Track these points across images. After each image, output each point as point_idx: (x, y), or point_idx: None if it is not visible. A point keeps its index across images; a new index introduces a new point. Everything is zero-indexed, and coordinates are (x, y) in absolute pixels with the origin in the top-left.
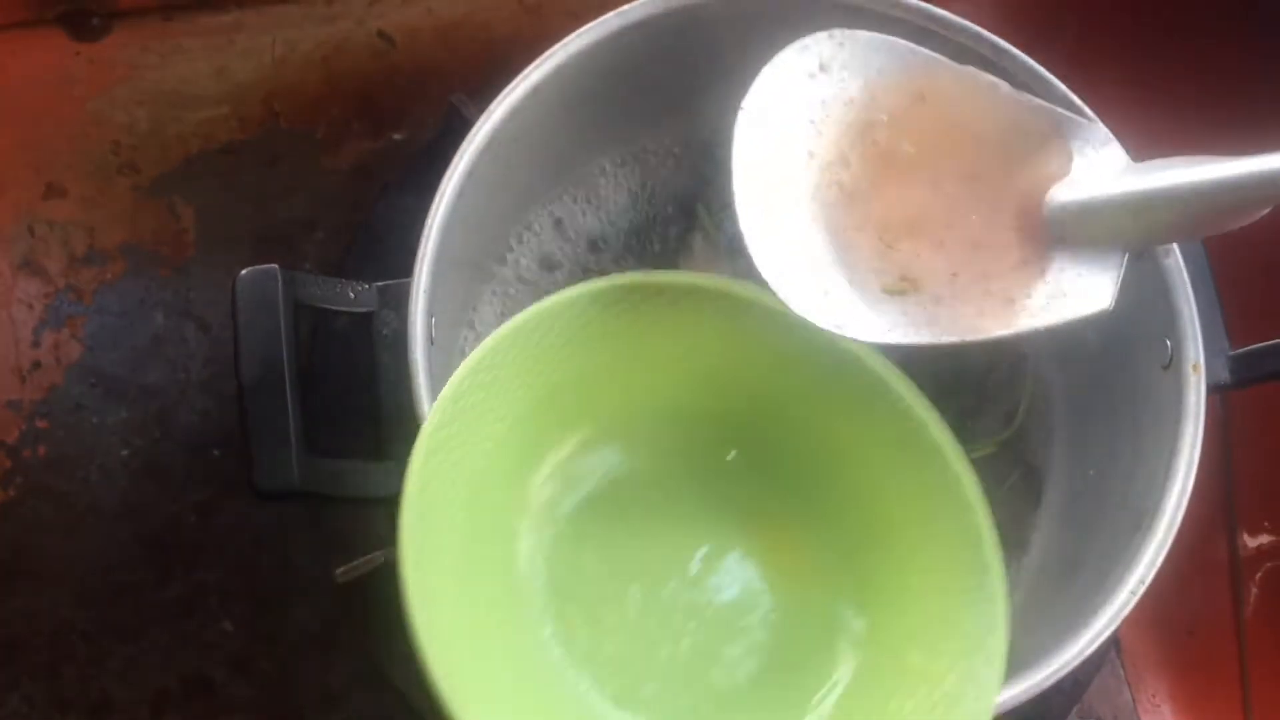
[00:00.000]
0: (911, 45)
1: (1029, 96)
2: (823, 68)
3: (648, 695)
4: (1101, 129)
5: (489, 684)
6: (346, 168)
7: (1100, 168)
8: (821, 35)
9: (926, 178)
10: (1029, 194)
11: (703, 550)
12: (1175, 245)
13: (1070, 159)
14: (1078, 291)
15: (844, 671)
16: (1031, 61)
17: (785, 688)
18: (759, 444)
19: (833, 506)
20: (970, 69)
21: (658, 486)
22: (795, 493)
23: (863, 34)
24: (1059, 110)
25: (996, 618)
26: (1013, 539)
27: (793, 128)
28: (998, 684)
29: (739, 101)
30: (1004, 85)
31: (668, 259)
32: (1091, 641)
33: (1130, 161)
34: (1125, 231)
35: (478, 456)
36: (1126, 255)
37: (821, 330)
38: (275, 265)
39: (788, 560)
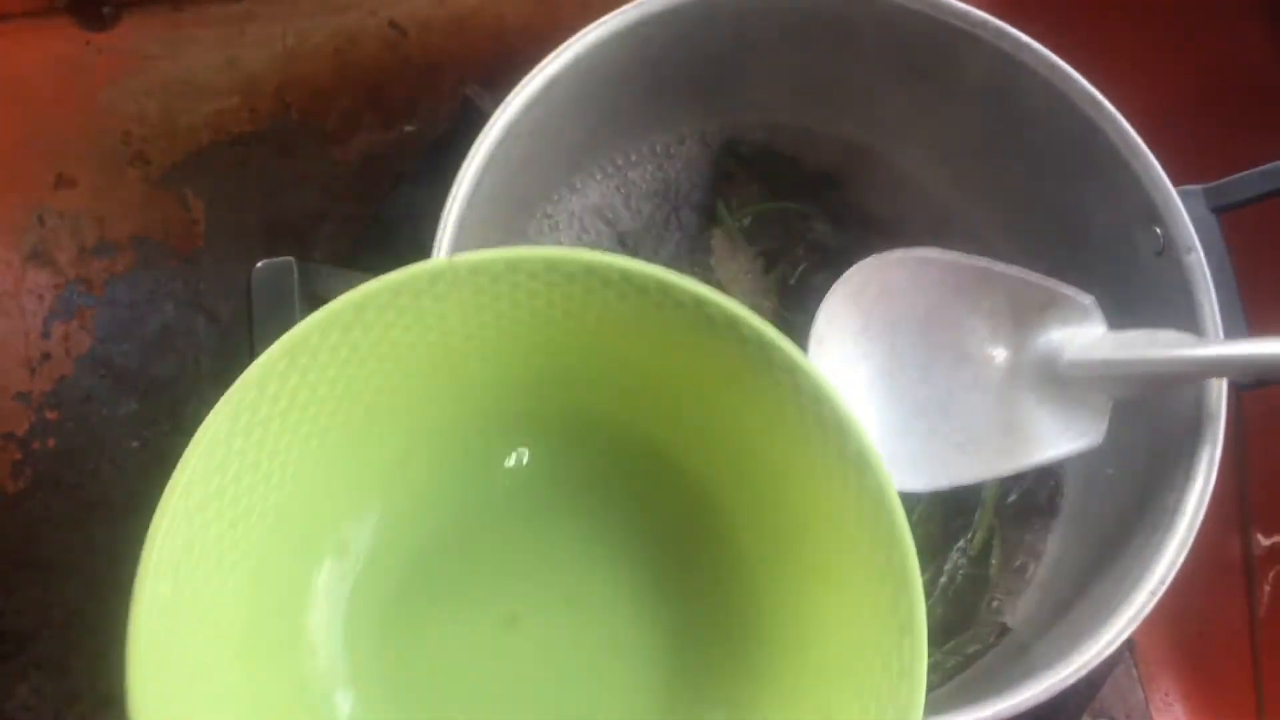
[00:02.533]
0: (926, 256)
1: (1022, 272)
2: (861, 290)
3: None
4: (1090, 297)
5: None
6: (357, 159)
7: (1085, 332)
8: (858, 265)
9: (951, 356)
10: (1035, 354)
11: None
12: (1196, 241)
13: (1063, 324)
14: (1075, 430)
15: None
16: (1051, 55)
17: None
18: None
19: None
20: (967, 259)
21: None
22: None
23: (892, 256)
24: (1049, 284)
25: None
26: (1029, 540)
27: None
28: None
29: (754, 99)
30: (997, 265)
31: (689, 252)
32: (1111, 642)
33: (1108, 330)
34: (1109, 387)
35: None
36: (1112, 401)
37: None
38: (291, 258)
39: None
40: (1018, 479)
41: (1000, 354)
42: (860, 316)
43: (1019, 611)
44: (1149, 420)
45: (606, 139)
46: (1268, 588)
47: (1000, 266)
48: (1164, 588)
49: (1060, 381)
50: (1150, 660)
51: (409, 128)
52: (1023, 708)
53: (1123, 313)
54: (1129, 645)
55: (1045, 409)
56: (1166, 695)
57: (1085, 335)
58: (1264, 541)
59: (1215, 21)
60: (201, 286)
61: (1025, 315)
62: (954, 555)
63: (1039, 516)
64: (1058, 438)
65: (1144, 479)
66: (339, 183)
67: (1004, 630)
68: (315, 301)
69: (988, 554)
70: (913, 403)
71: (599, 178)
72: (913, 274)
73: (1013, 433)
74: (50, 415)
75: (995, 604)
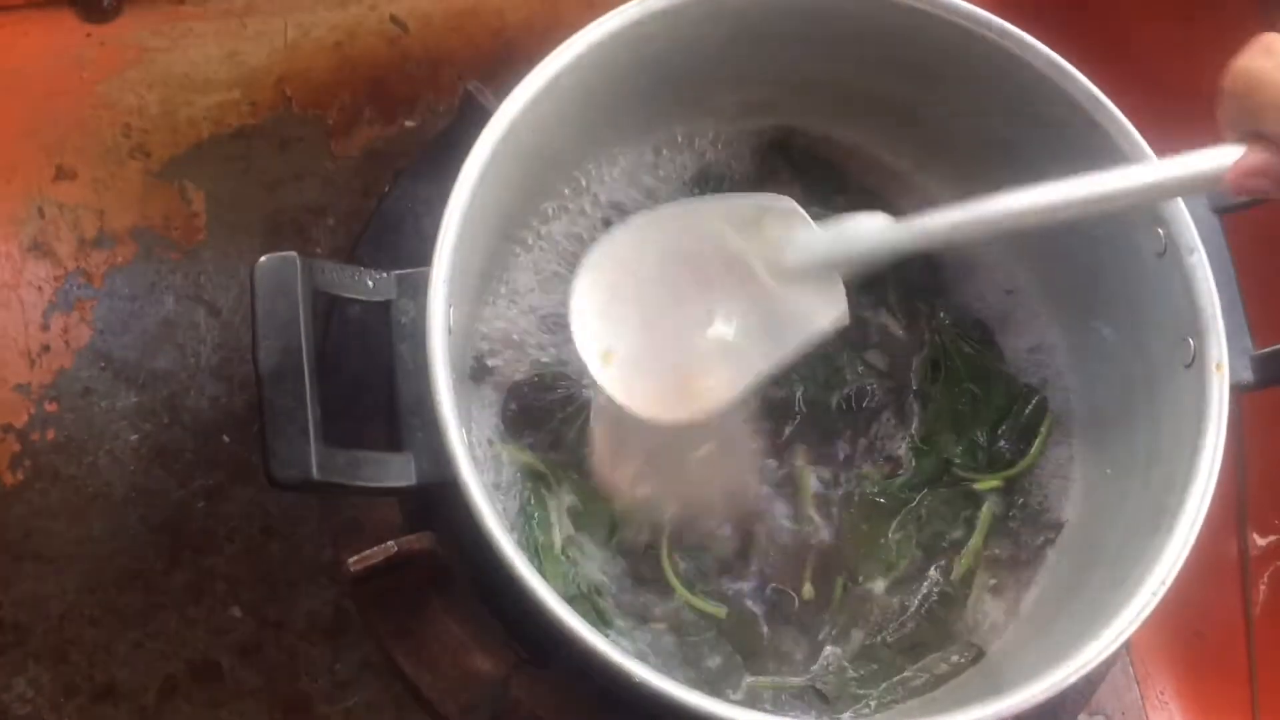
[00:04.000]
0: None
1: (724, 197)
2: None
3: None
4: (791, 202)
5: None
6: (358, 153)
7: (799, 230)
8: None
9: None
10: (766, 258)
11: None
12: (1199, 243)
13: (782, 227)
14: (823, 310)
15: None
16: (1055, 55)
17: None
18: None
19: None
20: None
21: None
22: None
23: (615, 229)
24: (752, 198)
25: None
26: (1023, 560)
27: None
28: None
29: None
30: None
31: None
32: (1112, 642)
33: (815, 226)
34: (835, 271)
35: None
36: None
37: None
38: (294, 253)
39: None
40: (1012, 501)
41: (741, 266)
42: (606, 283)
43: (1018, 612)
44: (1149, 421)
45: (607, 134)
46: (1263, 586)
47: (706, 199)
48: (1165, 588)
49: (796, 275)
50: (1146, 658)
51: (410, 122)
52: (1024, 706)
53: (1124, 314)
54: (1125, 644)
55: (792, 298)
56: (1161, 693)
57: (800, 234)
58: (1260, 541)
59: (1218, 21)
60: (202, 280)
61: (746, 230)
62: (932, 574)
63: (1033, 542)
64: (809, 317)
65: (1143, 478)
66: (339, 177)
67: (979, 656)
68: (316, 296)
69: (969, 580)
70: (681, 324)
71: (596, 173)
72: (641, 232)
73: (776, 324)
74: (49, 407)
75: (971, 622)
